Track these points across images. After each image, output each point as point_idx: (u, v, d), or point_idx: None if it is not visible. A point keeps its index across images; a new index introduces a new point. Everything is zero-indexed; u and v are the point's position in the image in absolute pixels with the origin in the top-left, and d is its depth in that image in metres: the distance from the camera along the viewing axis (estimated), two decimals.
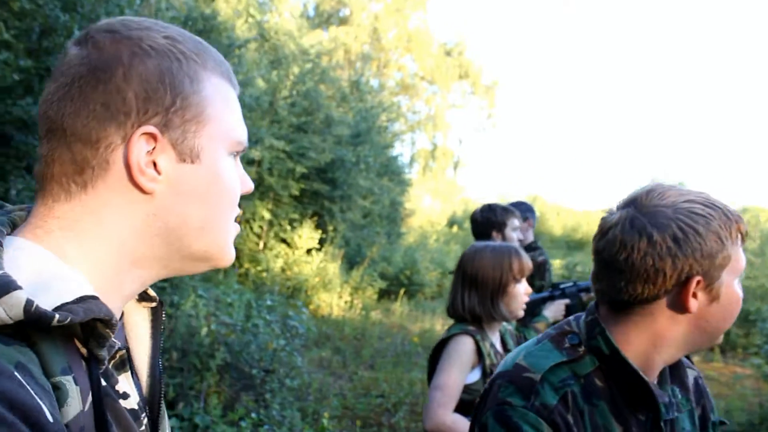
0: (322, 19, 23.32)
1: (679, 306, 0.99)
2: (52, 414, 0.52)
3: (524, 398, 0.97)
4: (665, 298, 0.99)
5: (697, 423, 1.11)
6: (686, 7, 66.50)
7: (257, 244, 11.13)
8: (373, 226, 13.91)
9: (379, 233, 13.89)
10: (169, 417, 3.94)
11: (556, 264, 13.21)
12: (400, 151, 25.07)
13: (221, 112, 0.70)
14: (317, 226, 11.26)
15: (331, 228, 11.53)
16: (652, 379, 1.03)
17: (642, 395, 0.98)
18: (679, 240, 0.96)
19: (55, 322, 0.54)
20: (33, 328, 0.55)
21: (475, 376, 1.95)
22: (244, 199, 10.45)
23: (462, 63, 26.17)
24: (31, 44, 4.29)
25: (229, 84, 0.73)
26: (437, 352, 2.02)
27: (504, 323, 2.14)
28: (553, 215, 29.00)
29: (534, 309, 2.92)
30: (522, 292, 2.05)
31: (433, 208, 24.46)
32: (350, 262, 12.09)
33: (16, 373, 0.51)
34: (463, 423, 1.86)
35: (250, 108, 9.21)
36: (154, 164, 0.66)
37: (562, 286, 3.08)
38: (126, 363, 0.68)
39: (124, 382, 0.67)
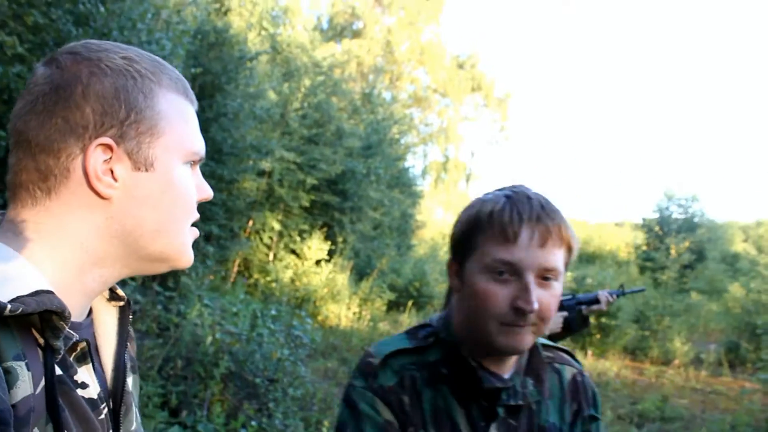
0: (336, 32, 23.53)
1: None
2: None
3: (365, 380, 1.04)
4: None
5: (568, 417, 1.13)
6: (703, 16, 66.27)
7: (267, 255, 11.20)
8: (383, 237, 13.95)
9: (389, 245, 13.92)
10: (172, 424, 4.00)
11: (567, 277, 13.16)
12: (412, 163, 25.14)
13: (175, 125, 0.77)
14: (327, 238, 11.32)
15: (340, 239, 11.58)
16: (503, 366, 1.07)
17: (476, 380, 1.04)
18: None
19: (7, 311, 0.61)
20: None
21: None
22: (255, 210, 10.56)
23: (474, 76, 26.26)
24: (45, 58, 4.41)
25: (185, 99, 0.80)
26: None
27: None
28: None
29: None
30: None
31: (445, 221, 24.50)
32: (359, 274, 12.13)
33: None
34: None
35: (260, 120, 9.32)
36: (112, 172, 0.73)
37: (560, 298, 3.07)
38: (87, 356, 0.74)
39: (84, 374, 0.73)
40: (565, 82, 64.32)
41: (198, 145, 0.81)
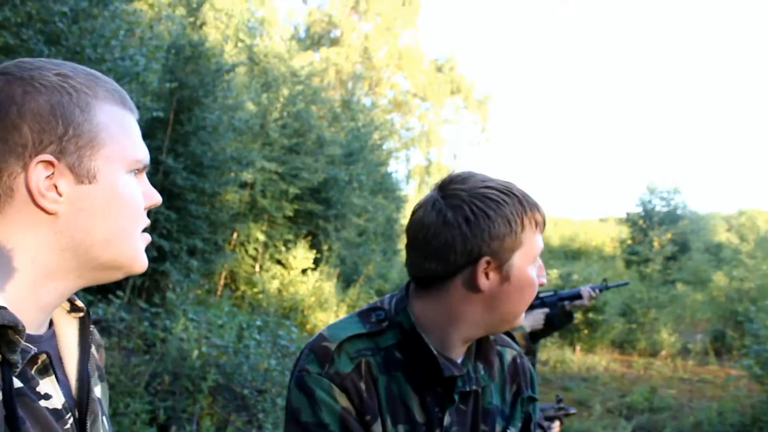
0: (314, 41, 23.56)
1: (472, 285, 1.04)
2: None
3: (320, 365, 1.02)
4: (459, 277, 1.04)
5: (508, 398, 1.16)
6: (674, 16, 67.12)
7: (253, 267, 11.18)
8: (369, 243, 13.97)
9: (375, 250, 13.93)
10: None
11: (553, 274, 13.24)
12: (396, 168, 25.17)
13: (115, 136, 0.79)
14: (312, 246, 11.32)
15: (326, 247, 11.59)
16: (455, 353, 1.08)
17: (434, 369, 1.04)
18: (469, 221, 1.02)
19: None
20: None
21: None
22: (239, 222, 10.54)
23: (453, 78, 26.40)
24: None
25: (123, 109, 0.81)
26: None
27: None
28: (551, 226, 29.10)
29: None
30: None
31: None
32: (346, 281, 12.13)
33: None
34: None
35: (240, 131, 9.32)
36: (56, 187, 0.74)
37: (541, 295, 3.09)
38: (49, 368, 0.75)
39: (48, 385, 0.75)
40: (543, 81, 64.83)
41: (140, 153, 0.82)
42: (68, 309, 0.84)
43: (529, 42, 62.56)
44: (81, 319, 0.85)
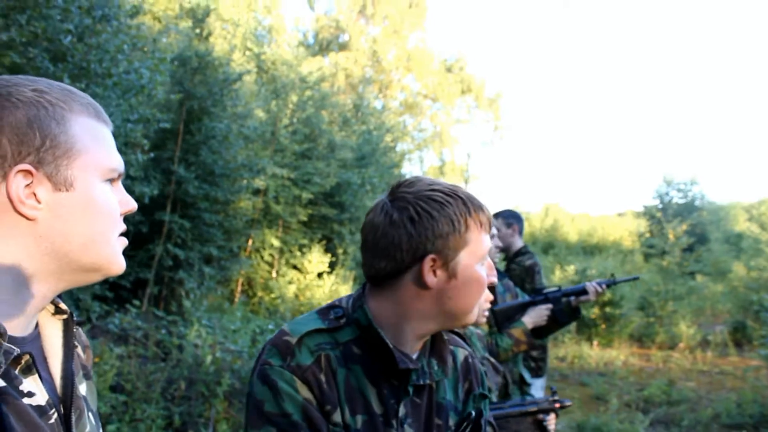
0: (322, 47, 23.69)
1: (420, 282, 1.09)
2: None
3: (282, 358, 1.06)
4: (408, 274, 1.09)
5: (461, 394, 1.22)
6: (684, 7, 66.39)
7: (269, 272, 11.27)
8: None
9: None
10: None
11: (570, 270, 13.18)
12: (410, 170, 25.18)
13: (90, 146, 0.84)
14: (327, 250, 11.38)
15: (341, 251, 11.64)
16: (410, 348, 1.13)
17: (390, 362, 1.08)
18: (414, 220, 1.07)
19: None
20: None
21: None
22: (254, 228, 10.62)
23: (464, 78, 26.37)
24: None
25: (97, 122, 0.87)
26: None
27: (470, 327, 2.22)
28: (568, 222, 28.91)
29: (514, 314, 2.94)
30: (482, 299, 2.13)
31: None
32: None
33: None
34: None
35: (250, 139, 9.41)
36: (35, 195, 0.79)
37: (545, 291, 3.09)
38: (32, 367, 0.80)
39: (31, 384, 0.79)
40: (556, 77, 64.45)
41: (114, 163, 0.87)
42: (53, 311, 0.89)
43: (540, 37, 62.25)
44: (65, 321, 0.90)
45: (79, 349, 0.95)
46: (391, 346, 1.08)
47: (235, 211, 9.64)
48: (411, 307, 1.11)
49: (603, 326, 9.72)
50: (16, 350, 0.76)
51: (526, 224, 31.68)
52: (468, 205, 1.11)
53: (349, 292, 10.65)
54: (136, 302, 6.46)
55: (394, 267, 1.09)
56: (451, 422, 1.17)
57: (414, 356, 1.14)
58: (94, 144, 0.85)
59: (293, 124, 11.45)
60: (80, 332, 0.98)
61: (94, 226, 0.83)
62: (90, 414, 0.91)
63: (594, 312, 9.75)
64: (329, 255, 11.09)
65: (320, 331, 1.11)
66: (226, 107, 8.48)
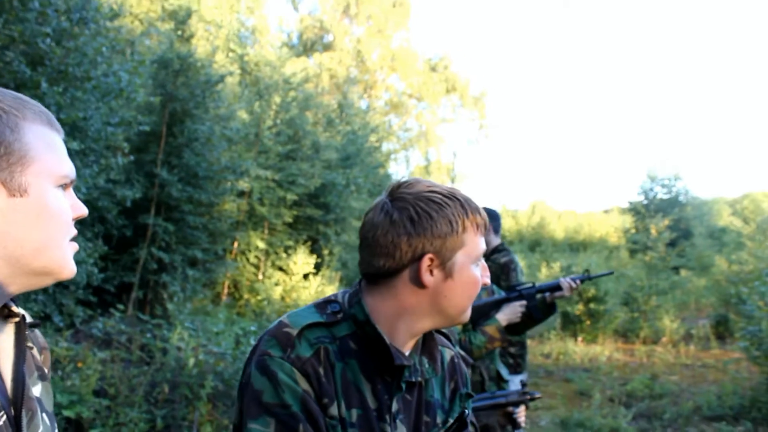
0: (307, 47, 23.66)
1: (417, 280, 1.12)
2: None
3: (282, 350, 1.08)
4: (406, 273, 1.12)
5: (447, 393, 1.25)
6: (666, 6, 66.90)
7: (255, 275, 11.25)
8: None
9: None
10: None
11: (557, 267, 13.27)
12: (396, 170, 25.22)
13: (43, 154, 0.86)
14: (312, 251, 11.38)
15: (326, 251, 11.64)
16: (403, 346, 1.16)
17: (386, 358, 1.11)
18: (414, 220, 1.10)
19: None
20: None
21: None
22: (239, 230, 10.61)
23: (448, 77, 26.43)
24: None
25: (50, 129, 0.89)
26: None
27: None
28: (555, 219, 29.09)
29: (489, 311, 2.96)
30: None
31: None
32: (349, 284, 12.18)
33: None
34: None
35: (233, 141, 9.39)
36: None
37: (519, 287, 3.11)
38: None
39: None
40: (541, 75, 64.77)
41: (66, 169, 0.90)
42: (5, 315, 0.91)
43: (524, 35, 62.52)
44: (17, 324, 0.92)
45: (35, 351, 0.96)
46: (387, 342, 1.11)
47: (220, 214, 9.62)
48: (407, 305, 1.13)
49: (588, 322, 9.80)
50: None
51: (512, 222, 31.48)
52: (465, 207, 1.14)
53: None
54: (120, 306, 6.44)
55: (393, 265, 1.12)
56: (438, 420, 1.20)
57: (407, 353, 1.16)
58: (47, 151, 0.87)
59: (277, 126, 11.44)
60: (37, 334, 1.00)
61: (47, 231, 0.85)
62: (44, 415, 0.93)
63: (578, 308, 9.83)
64: (315, 256, 11.09)
65: (319, 325, 1.12)
66: (208, 109, 8.47)
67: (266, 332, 1.14)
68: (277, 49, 14.60)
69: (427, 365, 1.20)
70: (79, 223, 6.78)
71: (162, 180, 7.90)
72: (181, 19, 9.61)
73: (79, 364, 4.80)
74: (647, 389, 6.42)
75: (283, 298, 10.38)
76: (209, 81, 8.40)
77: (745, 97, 65.33)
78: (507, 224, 29.13)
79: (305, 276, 10.78)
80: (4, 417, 0.83)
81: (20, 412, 0.86)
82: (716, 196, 30.02)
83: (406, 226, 1.10)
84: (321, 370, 1.08)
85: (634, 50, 65.63)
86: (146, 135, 7.92)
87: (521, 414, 2.22)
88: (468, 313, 1.19)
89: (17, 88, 4.46)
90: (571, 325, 9.91)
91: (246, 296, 10.83)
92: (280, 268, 11.27)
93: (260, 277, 11.16)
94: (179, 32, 9.44)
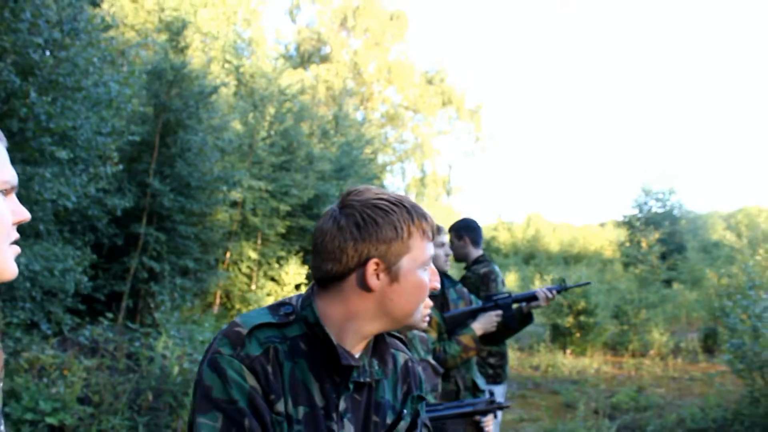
0: (304, 59, 23.81)
1: (364, 284, 1.16)
2: None
3: (233, 348, 1.12)
4: (353, 277, 1.17)
5: (399, 395, 1.29)
6: (660, 13, 67.39)
7: (248, 285, 11.28)
8: None
9: None
10: None
11: (549, 279, 13.31)
12: (391, 181, 25.29)
13: None
14: (304, 262, 11.42)
15: None
16: (353, 348, 1.20)
17: (333, 358, 1.16)
18: (360, 226, 1.15)
19: None
20: None
21: None
22: (231, 241, 10.66)
23: (444, 90, 26.60)
24: None
25: None
26: None
27: (414, 330, 2.28)
28: (550, 232, 29.15)
29: (465, 321, 3.01)
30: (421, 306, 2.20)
31: None
32: None
33: None
34: None
35: (227, 152, 9.45)
36: None
37: (495, 297, 3.16)
38: None
39: None
40: (536, 88, 65.06)
41: (7, 175, 0.94)
42: None
43: (519, 49, 62.89)
44: None
45: None
46: (335, 343, 1.15)
47: (212, 224, 9.66)
48: (355, 308, 1.18)
49: (578, 335, 9.83)
50: None
51: (507, 235, 31.32)
52: (411, 213, 1.19)
53: None
54: (109, 315, 6.46)
55: (340, 269, 1.16)
56: (388, 421, 1.24)
57: (357, 355, 1.20)
58: None
59: (271, 137, 11.50)
60: None
61: None
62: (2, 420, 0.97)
63: (568, 321, 9.86)
64: (306, 267, 11.13)
65: (270, 326, 1.16)
66: (201, 120, 8.53)
67: (220, 332, 1.19)
68: (273, 61, 14.68)
69: (376, 367, 1.24)
70: (70, 231, 6.75)
71: (154, 190, 7.94)
72: (175, 30, 9.69)
73: (65, 372, 4.83)
74: (633, 402, 6.45)
75: None
76: (203, 92, 8.46)
77: (744, 111, 65.69)
78: (502, 237, 29.19)
79: (297, 286, 10.81)
80: None
81: None
82: (712, 210, 30.09)
83: (352, 232, 1.15)
84: (269, 368, 1.12)
85: (629, 64, 66.01)
86: (139, 145, 7.98)
87: (488, 423, 2.26)
88: (417, 317, 1.23)
89: (7, 98, 4.53)
90: (561, 338, 9.94)
91: (238, 306, 10.85)
92: (272, 279, 11.30)
93: (252, 287, 11.19)
94: (174, 43, 9.52)
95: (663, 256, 12.96)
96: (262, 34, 16.58)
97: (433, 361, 2.33)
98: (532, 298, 3.17)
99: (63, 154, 4.50)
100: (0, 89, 4.33)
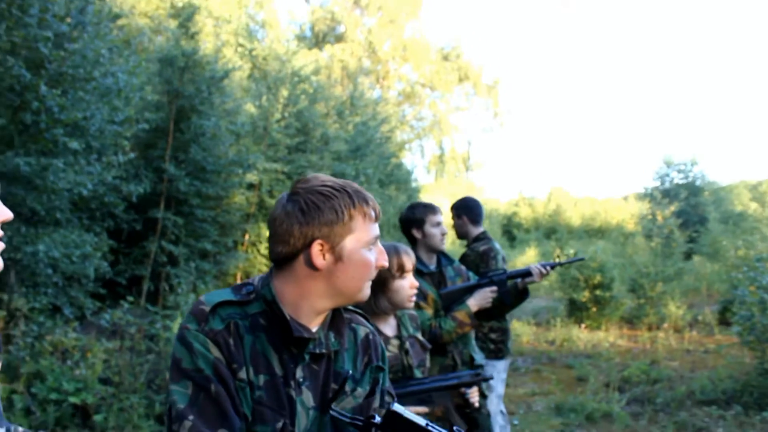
0: (318, 39, 23.77)
1: (311, 264, 1.28)
2: None
3: (198, 323, 1.25)
4: (301, 257, 1.29)
5: (360, 366, 1.41)
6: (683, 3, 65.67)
7: (267, 266, 11.45)
8: (381, 235, 14.14)
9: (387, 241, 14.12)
10: None
11: (571, 254, 13.30)
12: (410, 159, 25.29)
13: None
14: None
15: None
16: (310, 322, 1.32)
17: (289, 332, 1.28)
18: (303, 211, 1.28)
19: None
20: None
21: None
22: (249, 223, 10.82)
23: (461, 66, 26.40)
24: (11, 102, 4.65)
25: None
26: None
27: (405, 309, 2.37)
28: (571, 206, 28.96)
29: (460, 297, 3.09)
30: (406, 285, 2.28)
31: (448, 213, 24.62)
32: None
33: None
34: None
35: (241, 135, 9.57)
36: None
37: (490, 274, 3.23)
38: None
39: None
40: (555, 61, 64.11)
41: None
42: None
43: (536, 21, 61.90)
44: None
45: None
46: (288, 318, 1.28)
47: (229, 207, 9.81)
48: (306, 286, 1.30)
49: (594, 309, 9.85)
50: None
51: (529, 210, 31.15)
52: (353, 197, 1.30)
53: None
54: (130, 298, 6.66)
55: (289, 251, 1.29)
56: (347, 388, 1.36)
57: (314, 329, 1.32)
58: None
59: (285, 118, 11.58)
60: None
61: None
62: None
63: (585, 295, 9.88)
64: None
65: (231, 303, 1.29)
66: (214, 104, 8.64)
67: (188, 310, 1.33)
68: (286, 42, 14.71)
69: (333, 339, 1.36)
70: (89, 218, 6.93)
71: (170, 175, 8.10)
72: (186, 16, 9.77)
73: (87, 354, 5.03)
74: (644, 375, 6.50)
75: None
76: (214, 77, 8.56)
77: (757, 84, 64.07)
78: (523, 212, 29.08)
79: None
80: None
81: None
82: (737, 180, 29.56)
83: (297, 216, 1.27)
84: (231, 341, 1.25)
85: (650, 34, 64.64)
86: (154, 131, 8.13)
87: (474, 395, 2.34)
88: (365, 293, 1.35)
89: (21, 92, 4.67)
90: (578, 312, 9.98)
91: None
92: None
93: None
94: (185, 29, 9.61)
95: (684, 228, 12.84)
96: (275, 16, 16.61)
97: (421, 338, 2.41)
98: (527, 274, 3.25)
99: (75, 144, 4.64)
100: (13, 83, 4.46)
